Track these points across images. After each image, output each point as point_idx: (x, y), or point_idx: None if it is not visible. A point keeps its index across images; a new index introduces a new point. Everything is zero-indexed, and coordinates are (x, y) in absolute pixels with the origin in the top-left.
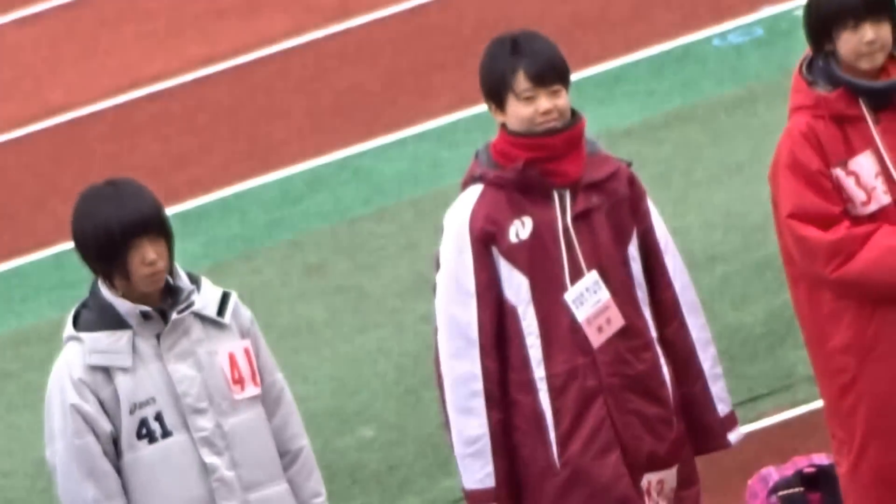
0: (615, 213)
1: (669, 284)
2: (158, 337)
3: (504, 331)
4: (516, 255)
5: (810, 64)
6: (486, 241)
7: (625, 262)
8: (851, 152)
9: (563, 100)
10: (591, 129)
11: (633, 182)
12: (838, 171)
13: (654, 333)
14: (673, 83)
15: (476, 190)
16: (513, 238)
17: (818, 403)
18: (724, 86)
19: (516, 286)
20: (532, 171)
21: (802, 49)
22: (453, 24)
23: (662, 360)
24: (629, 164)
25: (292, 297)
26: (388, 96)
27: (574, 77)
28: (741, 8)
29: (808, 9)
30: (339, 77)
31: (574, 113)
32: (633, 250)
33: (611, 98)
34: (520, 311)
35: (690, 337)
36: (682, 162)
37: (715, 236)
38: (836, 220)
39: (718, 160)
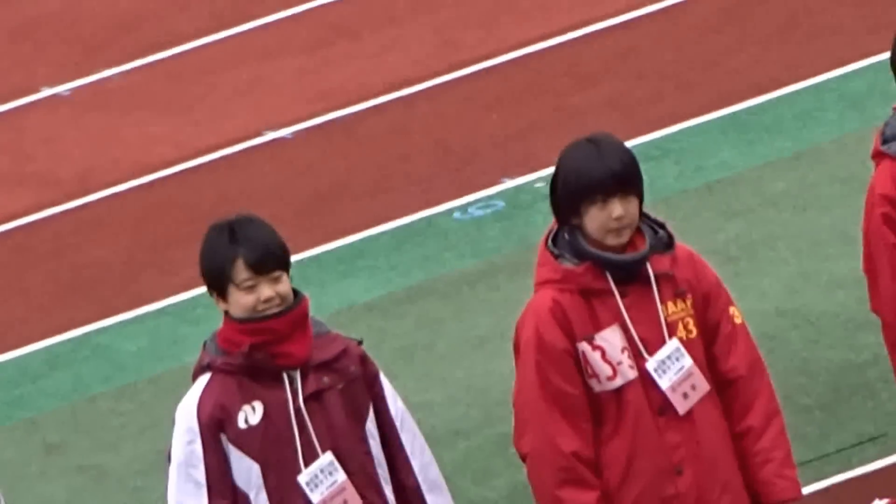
0: (349, 391)
1: (406, 463)
2: None
3: None
4: (246, 441)
5: (556, 237)
6: (214, 429)
7: (363, 441)
8: (598, 326)
9: (285, 285)
10: (334, 304)
11: (364, 360)
12: (584, 346)
13: None
14: (415, 257)
15: (204, 379)
16: (242, 424)
17: None
18: (465, 259)
19: (246, 472)
20: (258, 354)
21: (544, 221)
22: (193, 199)
23: None
24: (360, 343)
25: (32, 477)
26: (127, 272)
27: (316, 252)
28: (481, 180)
29: (555, 183)
30: (78, 253)
31: (297, 294)
32: (372, 427)
33: (353, 272)
34: (251, 496)
35: None
36: (424, 336)
37: (457, 411)
38: (576, 401)
39: (460, 334)
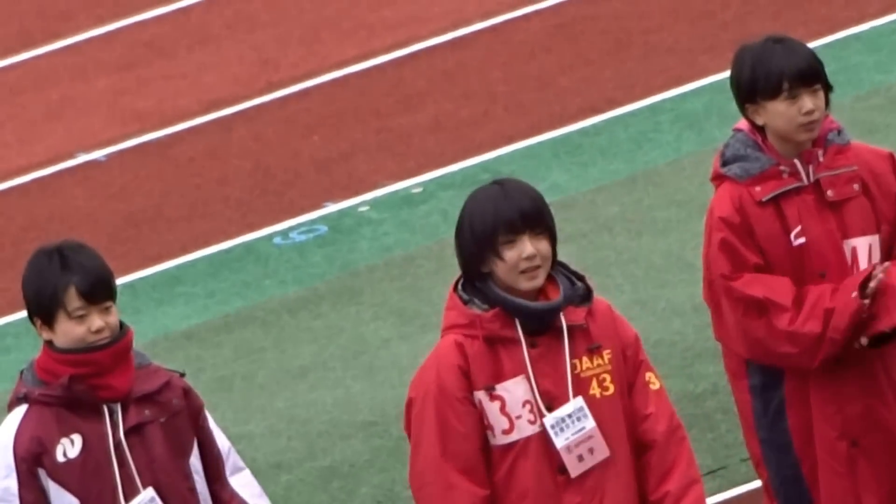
0: (171, 425)
1: (235, 499)
2: None
3: None
4: (65, 475)
5: (465, 282)
6: (31, 463)
7: (186, 476)
8: (501, 376)
9: (114, 316)
10: (149, 333)
11: (188, 393)
12: (482, 395)
13: None
14: (233, 283)
15: (21, 410)
16: (60, 458)
17: None
18: (286, 286)
19: None
20: (79, 386)
21: (367, 247)
22: (1, 224)
23: None
24: (182, 375)
25: None
26: None
27: (130, 278)
28: (303, 204)
29: (461, 230)
30: None
31: (121, 325)
32: (196, 463)
33: (169, 299)
34: None
35: None
36: (243, 366)
37: (278, 443)
38: (473, 455)
39: (281, 364)
